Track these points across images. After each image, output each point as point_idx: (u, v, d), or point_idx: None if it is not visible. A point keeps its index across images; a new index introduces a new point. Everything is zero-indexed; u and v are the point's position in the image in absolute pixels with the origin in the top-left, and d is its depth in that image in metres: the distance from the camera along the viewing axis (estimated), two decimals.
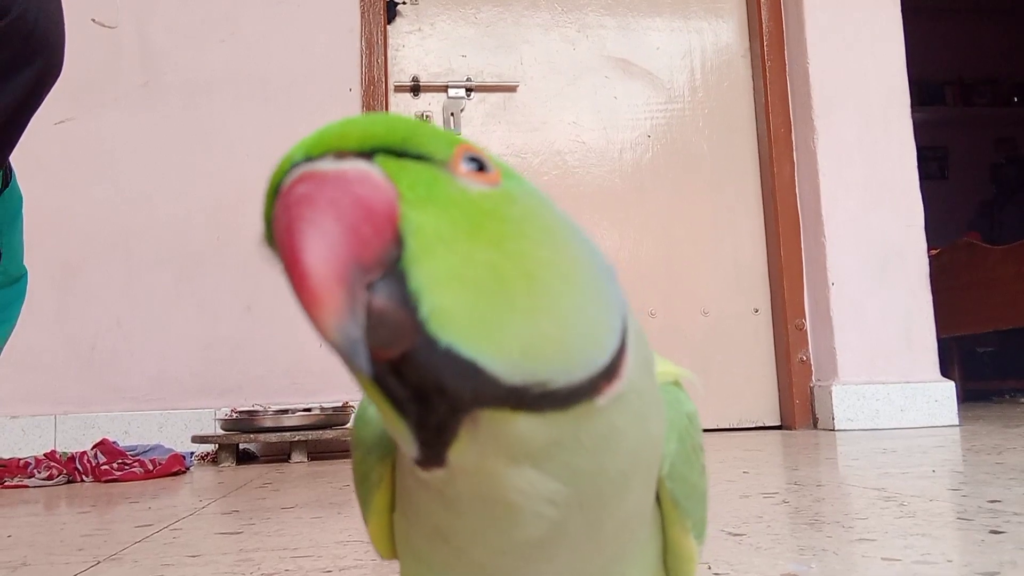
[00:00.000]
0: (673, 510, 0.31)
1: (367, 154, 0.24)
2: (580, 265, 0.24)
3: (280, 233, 0.22)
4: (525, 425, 0.23)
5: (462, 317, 0.22)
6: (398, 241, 0.22)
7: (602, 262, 0.26)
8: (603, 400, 0.24)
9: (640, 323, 0.28)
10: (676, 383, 0.32)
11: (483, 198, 0.24)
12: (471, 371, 0.22)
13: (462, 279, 0.22)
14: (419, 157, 0.24)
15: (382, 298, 0.22)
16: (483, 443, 0.23)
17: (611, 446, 0.24)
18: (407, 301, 0.22)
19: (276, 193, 0.23)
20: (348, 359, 0.21)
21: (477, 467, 0.23)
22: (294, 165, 0.23)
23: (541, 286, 0.23)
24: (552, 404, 0.23)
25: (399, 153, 0.24)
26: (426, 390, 0.22)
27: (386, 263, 0.22)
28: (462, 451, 0.23)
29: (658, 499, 0.31)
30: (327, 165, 0.23)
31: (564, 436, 0.23)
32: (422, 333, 0.22)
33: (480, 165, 0.25)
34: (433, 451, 0.23)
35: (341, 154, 0.23)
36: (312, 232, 0.21)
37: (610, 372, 0.24)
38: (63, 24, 0.92)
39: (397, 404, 0.22)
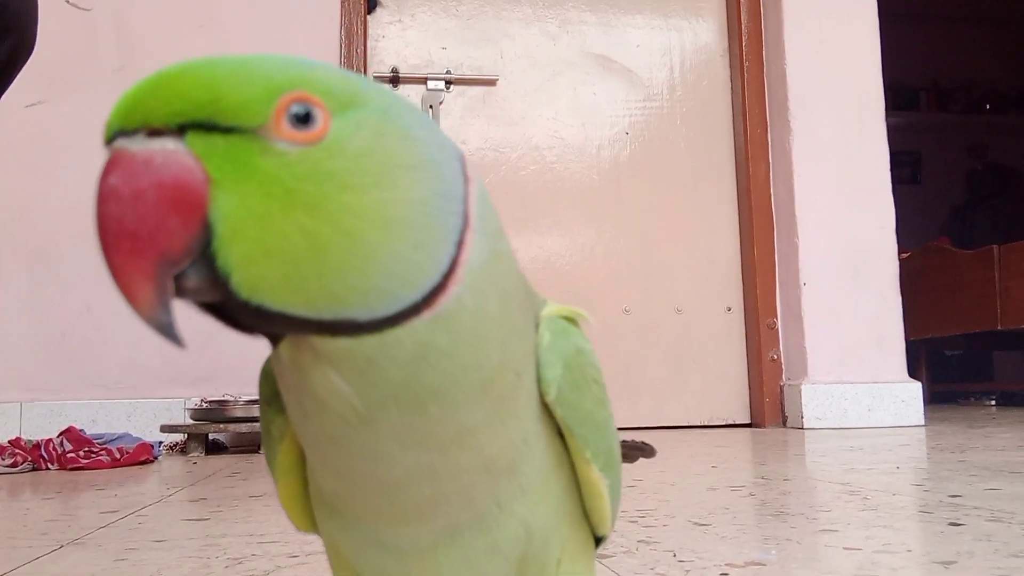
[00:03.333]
0: (570, 438, 0.32)
1: (179, 129, 0.24)
2: (405, 204, 0.25)
3: (95, 224, 0.23)
4: (335, 343, 0.25)
5: (272, 286, 0.24)
6: (207, 227, 0.23)
7: (443, 187, 0.26)
8: (412, 326, 0.26)
9: (519, 263, 0.30)
10: (569, 318, 0.33)
11: (301, 160, 0.24)
12: (280, 318, 0.24)
13: (272, 253, 0.23)
14: (231, 129, 0.24)
15: (193, 281, 0.24)
16: (300, 348, 0.26)
17: (428, 361, 0.26)
18: (217, 278, 0.24)
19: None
20: (161, 335, 0.24)
21: (294, 362, 0.26)
22: (113, 134, 0.24)
23: (356, 240, 0.24)
24: (359, 331, 0.25)
25: (210, 126, 0.24)
26: (244, 322, 0.25)
27: (195, 250, 0.23)
28: (286, 347, 0.26)
29: (563, 438, 0.32)
30: (137, 146, 0.24)
31: (374, 352, 0.25)
32: (234, 297, 0.24)
33: (307, 115, 0.24)
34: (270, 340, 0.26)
35: (153, 131, 0.24)
36: (119, 233, 0.23)
37: (425, 302, 0.26)
38: (36, 2, 0.91)
39: (218, 318, 0.26)
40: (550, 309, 0.33)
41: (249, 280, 0.24)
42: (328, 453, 0.28)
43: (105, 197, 0.23)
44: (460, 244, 0.27)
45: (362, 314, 0.25)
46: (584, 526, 0.34)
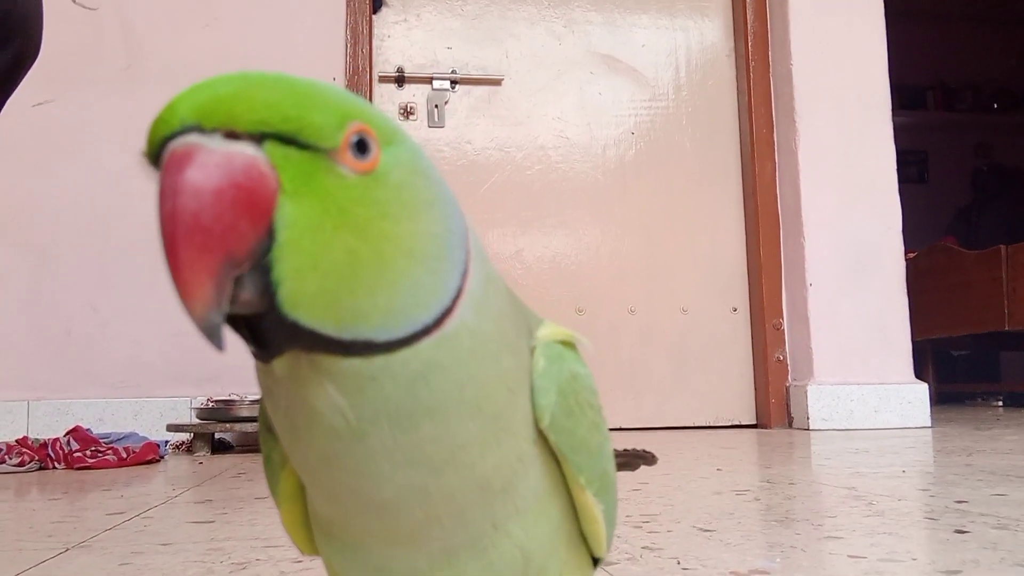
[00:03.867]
0: (564, 464, 0.32)
1: (257, 136, 0.24)
2: (428, 237, 0.27)
3: (163, 213, 0.23)
4: (343, 361, 0.26)
5: (310, 300, 0.25)
6: (271, 232, 0.24)
7: (454, 224, 0.29)
8: (420, 346, 0.27)
9: (501, 274, 0.32)
10: (567, 343, 0.33)
11: (355, 185, 0.26)
12: (307, 335, 0.25)
13: (318, 267, 0.25)
14: (306, 146, 0.25)
15: (247, 290, 0.24)
16: (298, 362, 0.26)
17: (427, 379, 0.27)
18: (267, 289, 0.24)
19: (161, 141, 0.24)
20: (206, 338, 0.23)
21: (292, 374, 0.27)
22: (185, 128, 0.24)
23: (387, 264, 0.26)
24: (371, 351, 0.26)
25: (288, 140, 0.25)
26: (267, 337, 0.25)
27: (257, 255, 0.24)
28: (283, 363, 0.26)
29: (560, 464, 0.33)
30: (218, 145, 0.24)
31: (378, 370, 0.26)
32: (276, 310, 0.24)
33: (364, 146, 0.26)
34: (261, 354, 0.26)
35: (231, 133, 0.24)
36: (193, 228, 0.23)
37: (434, 325, 0.27)
38: (41, 6, 0.91)
39: (237, 330, 0.26)
40: (546, 332, 0.33)
41: (293, 293, 0.24)
42: (320, 473, 0.29)
43: (182, 190, 0.23)
44: (465, 273, 0.28)
45: (380, 335, 0.26)
46: (582, 547, 0.35)
